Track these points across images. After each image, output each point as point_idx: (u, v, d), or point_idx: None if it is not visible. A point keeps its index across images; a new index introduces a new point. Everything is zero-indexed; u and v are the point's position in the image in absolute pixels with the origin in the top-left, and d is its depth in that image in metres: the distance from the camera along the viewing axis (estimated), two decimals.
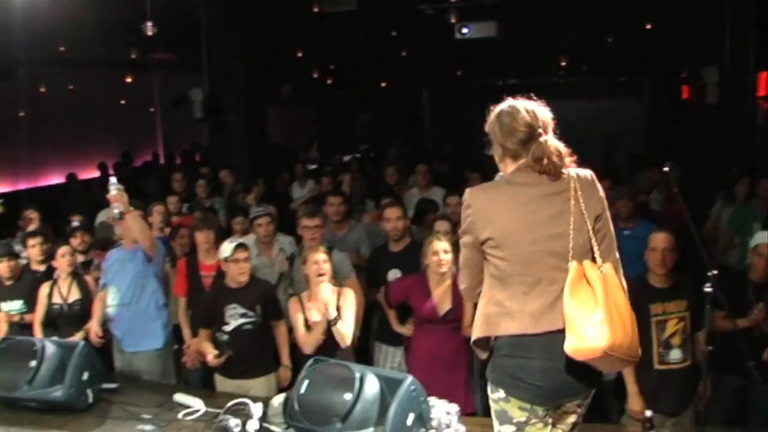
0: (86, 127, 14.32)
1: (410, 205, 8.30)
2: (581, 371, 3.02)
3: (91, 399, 5.50)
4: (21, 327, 6.55)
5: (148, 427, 5.04)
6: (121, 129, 15.54)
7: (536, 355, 3.03)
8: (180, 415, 5.14)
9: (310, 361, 4.97)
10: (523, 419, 3.11)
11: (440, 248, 5.53)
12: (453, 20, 10.43)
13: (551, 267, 3.02)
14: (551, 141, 3.11)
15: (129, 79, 15.26)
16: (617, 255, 3.17)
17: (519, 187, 3.10)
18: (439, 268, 5.54)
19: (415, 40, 14.58)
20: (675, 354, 5.11)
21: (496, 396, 3.17)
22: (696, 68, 10.60)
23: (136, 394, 5.67)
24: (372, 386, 4.58)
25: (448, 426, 4.81)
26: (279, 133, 15.67)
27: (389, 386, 4.60)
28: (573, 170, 3.13)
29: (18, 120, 13.25)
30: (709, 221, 8.23)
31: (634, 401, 5.06)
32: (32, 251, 6.83)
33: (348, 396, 4.53)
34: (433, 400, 4.79)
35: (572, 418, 3.24)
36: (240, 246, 5.69)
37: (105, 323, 6.34)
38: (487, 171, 10.81)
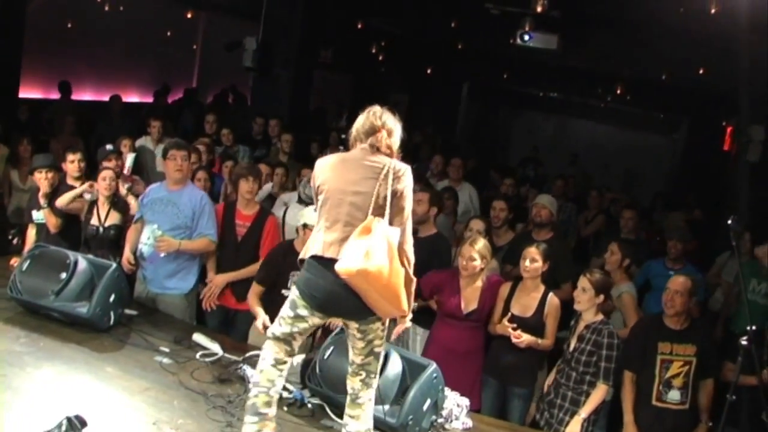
0: (128, 51, 14.29)
1: None
2: (351, 298, 3.78)
3: (112, 321, 5.58)
4: (47, 235, 6.61)
5: (165, 360, 5.14)
6: (161, 60, 15.52)
7: (319, 274, 3.85)
8: (197, 355, 5.23)
9: (337, 329, 5.06)
10: (304, 313, 3.92)
11: (467, 254, 5.65)
12: (523, 26, 10.43)
13: (349, 214, 3.84)
14: (386, 139, 3.93)
15: (178, 13, 15.22)
16: (407, 229, 3.92)
17: (347, 155, 4.02)
18: (464, 271, 5.67)
19: (472, 35, 14.56)
20: (674, 395, 5.24)
21: (293, 293, 3.96)
22: (742, 123, 10.64)
23: (155, 325, 5.75)
24: (395, 365, 4.69)
25: (457, 418, 4.93)
26: (315, 97, 15.66)
27: (412, 369, 4.71)
28: (396, 162, 3.91)
29: (64, 30, 13.23)
30: (713, 268, 8.32)
31: (629, 430, 5.19)
32: (71, 166, 6.82)
33: None
34: (446, 391, 4.90)
35: (360, 344, 4.00)
36: (303, 225, 5.62)
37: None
38: (515, 174, 10.94)
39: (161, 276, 6.18)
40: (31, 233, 6.73)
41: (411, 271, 3.91)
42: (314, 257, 3.90)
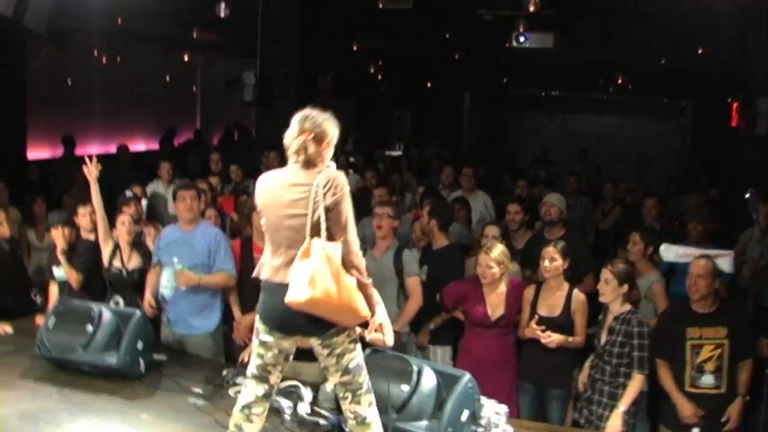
0: (130, 101, 14.42)
1: None
2: (311, 317, 3.77)
3: (143, 368, 5.59)
4: (70, 290, 6.64)
5: (199, 402, 5.12)
6: (163, 105, 15.66)
7: (272, 295, 3.88)
8: (231, 392, 5.20)
9: (368, 351, 5.03)
10: (267, 339, 3.95)
11: (484, 262, 5.66)
12: (517, 28, 10.43)
13: (289, 238, 3.85)
14: (312, 146, 3.82)
15: (175, 57, 15.37)
16: (350, 238, 3.86)
17: (279, 175, 3.95)
18: (483, 279, 5.66)
19: (468, 43, 14.59)
20: (707, 379, 5.15)
21: (256, 322, 4.01)
22: (749, 97, 10.57)
23: (185, 367, 5.75)
24: (429, 380, 4.66)
25: (497, 426, 4.87)
26: None
27: (446, 382, 4.67)
28: (325, 170, 3.82)
29: (65, 87, 13.37)
30: (737, 246, 8.19)
31: (684, 407, 5.10)
32: (83, 220, 6.86)
33: (405, 388, 4.60)
34: (483, 399, 4.86)
35: (330, 361, 3.96)
36: None
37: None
38: (528, 176, 10.91)
39: (185, 315, 6.18)
40: (54, 290, 6.76)
41: (363, 276, 3.90)
42: (266, 281, 3.96)
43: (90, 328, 5.50)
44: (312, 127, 3.83)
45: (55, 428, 4.67)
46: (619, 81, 16.00)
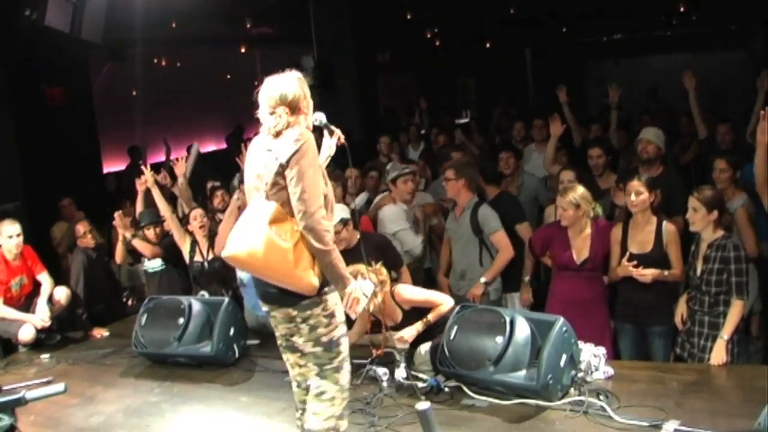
0: (194, 103, 14.60)
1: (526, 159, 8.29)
2: (279, 287, 3.66)
3: (237, 354, 5.67)
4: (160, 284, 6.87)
5: None
6: (227, 104, 15.80)
7: None
8: None
9: (457, 308, 4.99)
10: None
11: (560, 204, 5.52)
12: None
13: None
14: (286, 115, 3.66)
15: (232, 55, 15.49)
16: (307, 198, 3.57)
17: (254, 145, 3.84)
18: (562, 221, 5.53)
19: None
20: None
21: None
22: None
23: (276, 349, 5.77)
24: (522, 329, 4.58)
25: (596, 368, 4.77)
26: (383, 99, 15.69)
27: (539, 328, 4.58)
28: (293, 130, 3.63)
29: (130, 99, 13.63)
30: None
31: None
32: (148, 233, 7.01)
33: (499, 339, 4.54)
34: (581, 344, 4.75)
35: (304, 328, 3.73)
36: (340, 221, 5.61)
37: None
38: (600, 120, 10.62)
39: None
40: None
41: (321, 242, 3.60)
42: None
43: (182, 320, 5.62)
44: (281, 100, 3.67)
45: (159, 419, 4.77)
46: (682, 9, 15.37)
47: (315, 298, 3.67)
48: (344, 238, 5.64)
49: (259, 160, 3.75)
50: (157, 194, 6.77)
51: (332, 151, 4.08)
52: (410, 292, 5.25)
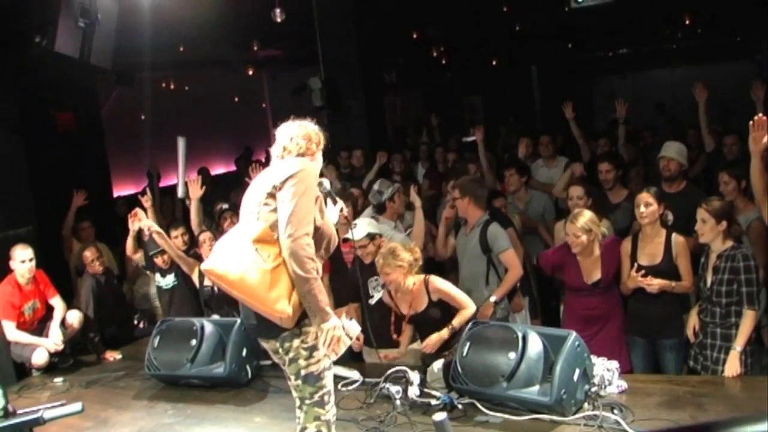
0: (202, 126, 14.68)
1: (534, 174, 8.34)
2: (260, 318, 3.69)
3: (250, 375, 5.68)
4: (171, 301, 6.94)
5: None
6: (236, 126, 15.91)
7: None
8: (339, 386, 5.20)
9: (470, 324, 4.99)
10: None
11: (570, 232, 5.46)
12: None
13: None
14: (284, 142, 3.86)
15: (239, 77, 15.59)
16: (295, 223, 3.59)
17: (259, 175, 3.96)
18: (573, 248, 5.48)
19: (527, 10, 14.33)
20: None
21: None
22: None
23: None
24: (535, 344, 4.58)
25: (610, 382, 4.76)
26: (391, 118, 15.78)
27: (552, 343, 4.58)
28: (282, 172, 3.72)
29: (139, 123, 13.73)
30: None
31: None
32: (176, 242, 7.02)
33: (512, 355, 4.54)
34: (593, 358, 4.75)
35: (286, 359, 3.75)
36: (367, 235, 5.77)
37: None
38: (607, 136, 10.64)
39: None
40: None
41: (303, 269, 3.57)
42: None
43: (194, 342, 5.65)
44: (298, 134, 3.86)
45: None
46: (687, 22, 15.42)
47: (294, 329, 3.66)
48: (370, 252, 5.76)
49: (256, 185, 3.85)
50: (161, 238, 6.78)
51: (335, 220, 4.08)
52: (444, 284, 5.36)
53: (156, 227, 6.74)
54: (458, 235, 6.44)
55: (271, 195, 3.67)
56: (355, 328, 3.87)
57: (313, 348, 3.69)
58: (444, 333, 5.19)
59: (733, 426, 0.83)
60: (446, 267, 6.75)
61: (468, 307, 5.27)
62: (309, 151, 3.86)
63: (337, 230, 4.23)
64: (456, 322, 5.21)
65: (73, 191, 8.34)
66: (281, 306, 3.56)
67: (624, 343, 5.50)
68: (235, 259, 3.56)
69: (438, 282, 5.33)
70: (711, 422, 3.37)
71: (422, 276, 5.32)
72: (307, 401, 3.73)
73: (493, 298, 5.91)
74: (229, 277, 3.57)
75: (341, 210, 4.06)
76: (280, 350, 3.73)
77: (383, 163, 9.34)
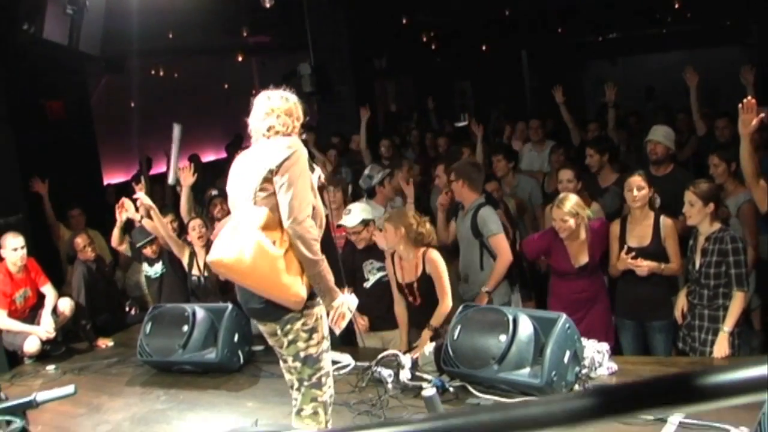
0: (192, 113, 14.62)
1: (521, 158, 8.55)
2: (265, 301, 3.65)
3: (242, 360, 5.69)
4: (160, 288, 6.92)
5: None
6: (226, 113, 15.85)
7: None
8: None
9: (460, 308, 5.02)
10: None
11: (557, 216, 5.44)
12: None
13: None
14: (281, 118, 3.76)
15: (229, 64, 15.55)
16: (296, 205, 3.58)
17: (242, 154, 3.92)
18: (560, 233, 5.47)
19: None
20: None
21: None
22: None
23: None
24: (526, 327, 4.60)
25: (600, 364, 4.79)
26: (382, 104, 15.77)
27: (543, 326, 4.61)
28: (284, 138, 3.71)
29: (128, 110, 13.68)
30: None
31: None
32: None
33: (503, 338, 4.57)
34: (584, 340, 4.78)
35: (284, 340, 3.73)
36: (361, 222, 5.79)
37: None
38: (597, 121, 10.67)
39: None
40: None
41: (310, 251, 3.59)
42: None
43: (186, 328, 5.65)
44: (278, 108, 3.77)
45: (166, 426, 4.79)
46: (676, 6, 15.41)
47: (296, 313, 3.66)
48: (363, 238, 5.83)
49: (245, 167, 3.77)
50: (155, 216, 6.74)
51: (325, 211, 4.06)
52: (439, 260, 5.45)
53: (148, 201, 6.68)
54: (457, 219, 6.45)
55: (267, 180, 3.62)
56: (353, 301, 3.90)
57: (313, 330, 3.71)
58: (425, 336, 5.35)
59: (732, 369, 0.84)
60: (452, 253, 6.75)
61: (445, 302, 5.38)
62: (294, 128, 3.81)
63: (329, 217, 4.27)
64: (434, 321, 5.35)
65: (36, 180, 8.17)
66: (296, 290, 3.59)
67: (611, 325, 5.54)
68: (244, 248, 3.51)
69: (435, 256, 5.42)
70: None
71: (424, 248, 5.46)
72: (306, 383, 3.75)
73: (485, 289, 5.86)
74: (241, 266, 3.53)
75: (319, 177, 4.03)
76: (279, 332, 3.72)
77: (368, 116, 9.49)
